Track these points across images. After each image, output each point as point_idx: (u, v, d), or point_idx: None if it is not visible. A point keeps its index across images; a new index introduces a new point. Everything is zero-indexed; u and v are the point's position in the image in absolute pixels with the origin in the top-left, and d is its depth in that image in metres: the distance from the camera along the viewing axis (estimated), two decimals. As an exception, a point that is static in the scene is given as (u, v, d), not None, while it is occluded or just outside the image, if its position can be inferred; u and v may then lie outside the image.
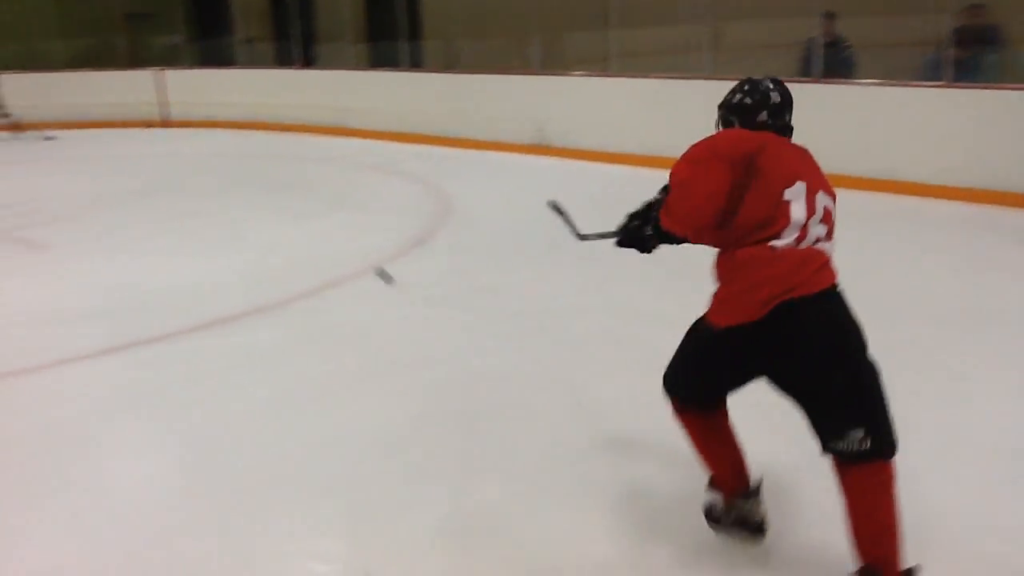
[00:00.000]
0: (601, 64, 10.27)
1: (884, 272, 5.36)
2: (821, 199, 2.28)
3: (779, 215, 2.21)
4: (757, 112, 2.38)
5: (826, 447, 2.23)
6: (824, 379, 2.19)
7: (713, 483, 2.65)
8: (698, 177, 2.26)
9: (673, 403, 2.55)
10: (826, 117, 7.74)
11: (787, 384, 2.28)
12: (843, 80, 8.08)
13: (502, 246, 6.35)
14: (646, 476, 3.02)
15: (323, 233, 6.85)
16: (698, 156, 2.30)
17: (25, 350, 4.44)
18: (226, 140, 12.72)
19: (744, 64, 8.98)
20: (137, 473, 3.23)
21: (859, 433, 2.15)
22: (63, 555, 2.71)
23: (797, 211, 2.22)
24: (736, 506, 2.59)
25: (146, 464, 3.30)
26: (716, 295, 2.34)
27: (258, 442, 3.41)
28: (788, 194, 2.22)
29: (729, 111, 2.43)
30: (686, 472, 2.82)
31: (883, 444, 2.18)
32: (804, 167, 2.33)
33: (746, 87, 2.41)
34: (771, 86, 2.39)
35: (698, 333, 2.44)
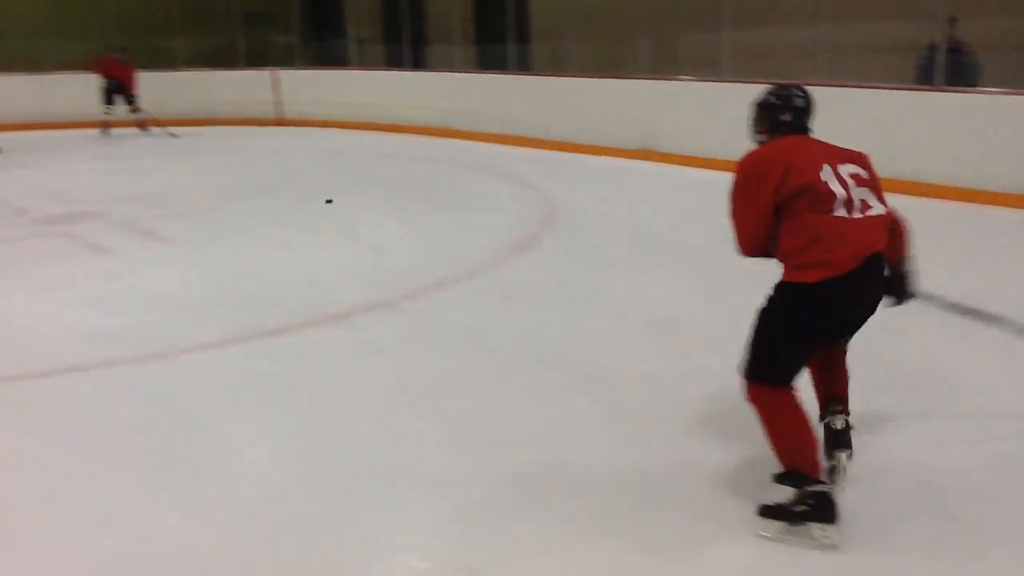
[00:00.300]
0: (712, 67, 10.15)
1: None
2: (845, 169, 2.69)
3: (828, 195, 2.62)
4: (781, 112, 2.86)
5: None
6: (860, 323, 2.77)
7: (784, 476, 2.70)
8: (745, 226, 2.76)
9: (755, 389, 2.70)
10: (948, 127, 7.52)
11: (838, 331, 2.78)
12: (966, 88, 7.80)
13: (608, 250, 6.38)
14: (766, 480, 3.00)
15: (432, 233, 7.01)
16: (738, 199, 2.77)
17: (152, 337, 4.69)
18: (338, 139, 13.12)
19: (857, 69, 8.77)
20: (253, 462, 3.37)
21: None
22: (182, 536, 2.86)
23: (836, 187, 2.63)
24: (813, 495, 2.61)
25: (262, 454, 3.43)
26: (795, 262, 2.63)
27: (371, 437, 3.53)
28: (823, 176, 2.63)
29: (760, 108, 2.91)
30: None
31: None
32: (822, 152, 2.71)
33: (777, 90, 2.91)
34: (798, 92, 2.89)
35: (779, 305, 2.69)
